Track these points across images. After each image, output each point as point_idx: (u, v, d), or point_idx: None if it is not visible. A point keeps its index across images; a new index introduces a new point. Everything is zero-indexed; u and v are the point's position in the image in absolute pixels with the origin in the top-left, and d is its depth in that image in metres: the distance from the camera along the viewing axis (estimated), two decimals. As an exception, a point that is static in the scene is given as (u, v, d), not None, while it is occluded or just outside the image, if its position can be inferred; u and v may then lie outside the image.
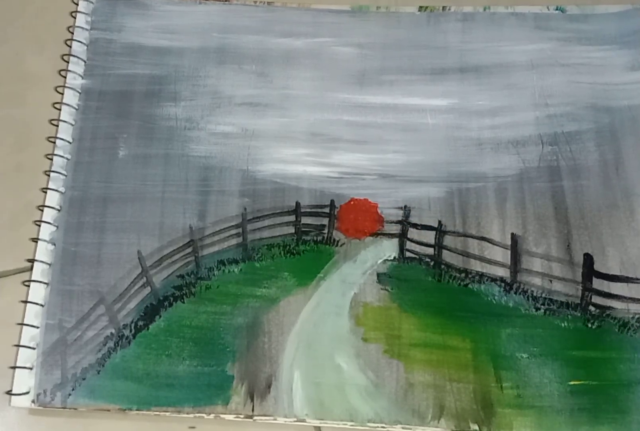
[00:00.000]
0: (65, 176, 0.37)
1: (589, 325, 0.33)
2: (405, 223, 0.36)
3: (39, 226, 0.36)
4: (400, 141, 0.38)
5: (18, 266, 0.35)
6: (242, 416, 0.32)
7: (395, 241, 0.36)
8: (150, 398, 0.32)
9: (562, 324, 0.33)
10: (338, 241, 0.36)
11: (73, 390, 0.32)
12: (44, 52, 0.41)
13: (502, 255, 0.35)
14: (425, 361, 0.33)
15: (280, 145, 0.38)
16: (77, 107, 0.39)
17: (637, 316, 0.33)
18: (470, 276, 0.34)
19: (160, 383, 0.32)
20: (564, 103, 0.39)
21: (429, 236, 0.36)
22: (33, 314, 0.34)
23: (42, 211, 0.36)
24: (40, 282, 0.34)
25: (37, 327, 0.34)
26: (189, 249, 0.35)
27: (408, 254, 0.35)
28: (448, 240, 0.35)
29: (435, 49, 0.40)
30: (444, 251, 0.35)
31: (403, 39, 0.40)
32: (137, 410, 0.32)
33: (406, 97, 0.39)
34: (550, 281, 0.34)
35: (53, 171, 0.37)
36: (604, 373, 0.32)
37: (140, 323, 0.34)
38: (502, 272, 0.35)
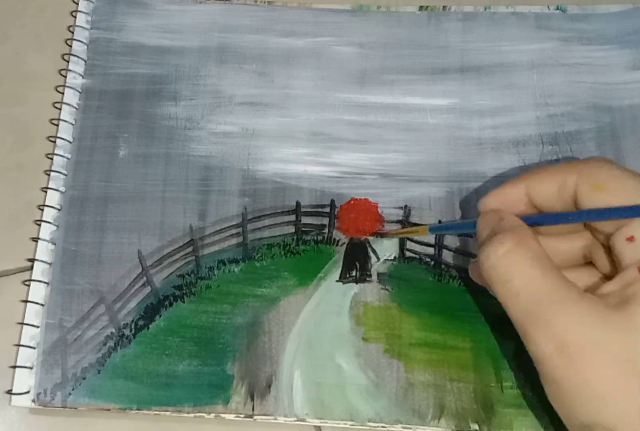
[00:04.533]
0: (66, 175, 0.37)
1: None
2: (405, 222, 0.36)
3: (39, 225, 0.36)
4: (400, 140, 0.38)
5: (18, 265, 0.35)
6: (242, 415, 0.32)
7: (396, 240, 0.36)
8: (150, 397, 0.32)
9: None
10: (338, 241, 0.36)
11: (73, 389, 0.32)
12: (45, 51, 0.41)
13: (503, 255, 0.35)
14: (425, 360, 0.33)
15: (281, 144, 0.38)
16: (77, 107, 0.39)
17: None
18: (470, 275, 0.34)
19: (160, 382, 0.32)
20: (565, 103, 0.38)
21: (429, 236, 0.35)
22: (33, 313, 0.34)
23: (42, 210, 0.36)
24: (41, 281, 0.34)
25: (38, 326, 0.34)
26: (190, 249, 0.35)
27: (408, 254, 0.35)
28: (448, 240, 0.35)
29: (436, 48, 0.40)
30: (444, 251, 0.35)
31: (404, 38, 0.40)
32: (137, 409, 0.32)
33: (407, 97, 0.39)
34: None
35: (53, 171, 0.37)
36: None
37: (141, 322, 0.34)
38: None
